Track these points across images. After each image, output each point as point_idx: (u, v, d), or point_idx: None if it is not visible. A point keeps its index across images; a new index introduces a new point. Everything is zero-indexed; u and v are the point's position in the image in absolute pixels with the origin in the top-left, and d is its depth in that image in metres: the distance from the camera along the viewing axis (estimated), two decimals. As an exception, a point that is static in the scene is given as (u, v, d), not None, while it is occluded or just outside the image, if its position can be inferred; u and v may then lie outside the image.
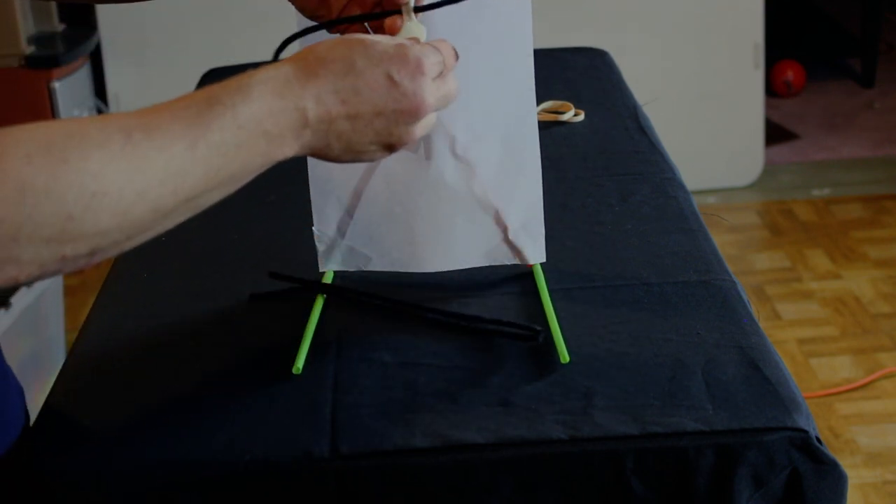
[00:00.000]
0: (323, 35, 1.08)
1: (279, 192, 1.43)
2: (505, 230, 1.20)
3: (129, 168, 0.81)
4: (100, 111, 3.39)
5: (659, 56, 3.52)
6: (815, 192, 3.59)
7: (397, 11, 1.04)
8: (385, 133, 0.94)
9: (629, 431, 0.98)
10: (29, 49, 3.15)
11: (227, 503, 0.97)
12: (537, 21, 1.18)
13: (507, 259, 1.22)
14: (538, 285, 1.19)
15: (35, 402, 1.06)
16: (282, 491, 0.97)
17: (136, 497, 0.97)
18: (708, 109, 3.57)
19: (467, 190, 1.18)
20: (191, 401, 1.05)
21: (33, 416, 1.06)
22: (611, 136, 1.58)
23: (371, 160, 0.98)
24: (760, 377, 1.03)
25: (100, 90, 3.43)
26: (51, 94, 3.16)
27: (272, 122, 0.89)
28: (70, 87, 3.23)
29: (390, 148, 0.96)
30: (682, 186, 1.42)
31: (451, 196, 1.17)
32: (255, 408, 1.03)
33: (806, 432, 0.97)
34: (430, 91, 0.94)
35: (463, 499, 0.97)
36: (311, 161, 1.20)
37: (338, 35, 1.00)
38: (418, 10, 1.05)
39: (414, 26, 1.05)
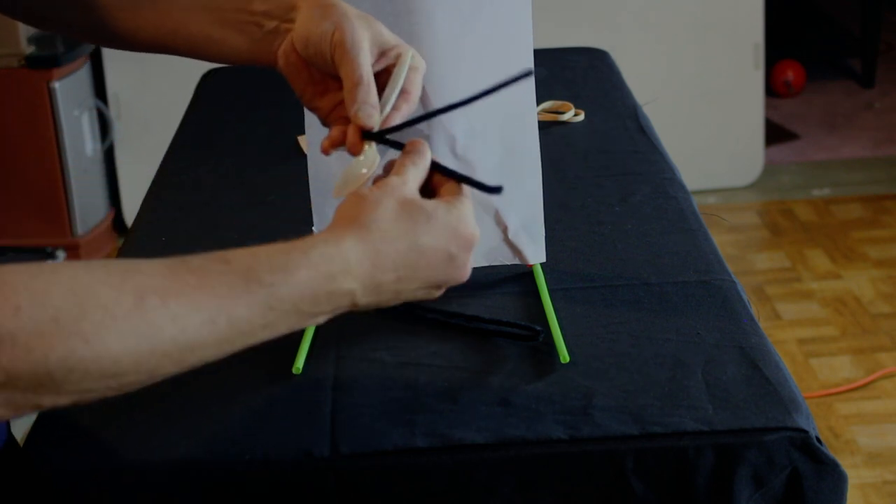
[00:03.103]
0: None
1: (279, 192, 1.43)
2: (505, 230, 1.20)
3: (132, 336, 0.77)
4: (100, 111, 3.39)
5: (659, 56, 3.52)
6: (815, 192, 3.59)
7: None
8: (416, 294, 0.92)
9: (629, 431, 0.98)
10: (29, 49, 3.15)
11: (226, 503, 0.97)
12: (537, 21, 1.18)
13: (507, 259, 1.22)
14: (538, 285, 1.19)
15: (35, 402, 1.06)
16: (282, 491, 0.97)
17: (136, 497, 0.97)
18: (708, 109, 3.57)
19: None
20: (191, 401, 1.05)
21: (33, 416, 1.05)
22: (611, 136, 1.58)
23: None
24: (760, 377, 1.03)
25: (100, 90, 3.43)
26: (51, 94, 3.16)
27: (311, 305, 0.85)
28: (70, 87, 3.23)
29: (419, 299, 0.94)
30: (682, 186, 1.42)
31: (451, 196, 1.17)
32: (255, 408, 1.03)
33: (806, 432, 0.97)
34: (472, 258, 0.94)
35: (463, 499, 0.97)
36: (311, 161, 1.20)
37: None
38: (398, 128, 0.99)
39: (371, 153, 0.99)
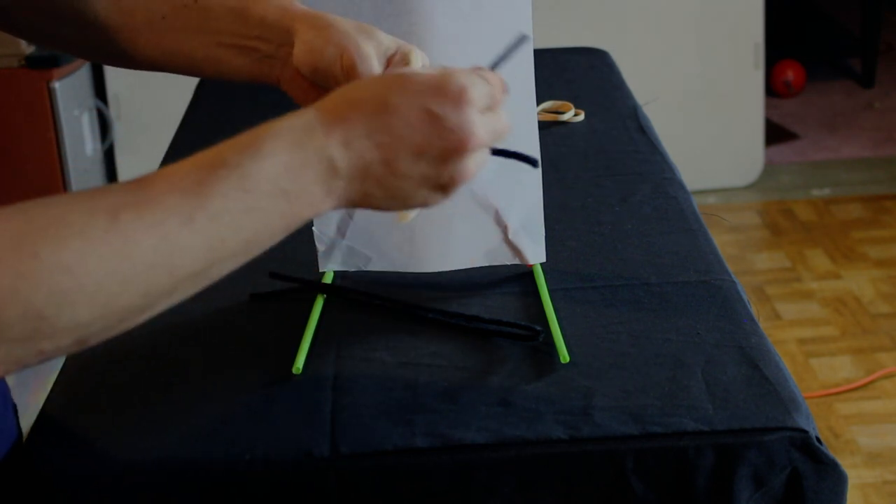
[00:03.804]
0: None
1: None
2: (505, 230, 1.20)
3: (113, 255, 0.74)
4: (100, 111, 3.39)
5: (659, 56, 3.52)
6: (815, 192, 3.59)
7: None
8: (433, 175, 0.84)
9: (629, 431, 0.98)
10: (29, 49, 3.15)
11: (226, 503, 0.97)
12: (537, 21, 1.18)
13: (507, 259, 1.22)
14: (538, 285, 1.19)
15: (34, 403, 1.06)
16: (282, 491, 0.97)
17: (136, 497, 0.97)
18: (708, 109, 3.57)
19: (467, 190, 1.18)
20: (191, 401, 1.05)
21: (33, 417, 1.06)
22: (611, 136, 1.58)
23: (426, 205, 0.87)
24: (760, 377, 1.03)
25: (100, 90, 3.43)
26: (51, 94, 3.16)
27: (290, 180, 0.79)
28: (70, 88, 3.23)
29: (444, 189, 0.85)
30: (682, 186, 1.42)
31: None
32: (255, 408, 1.03)
33: (806, 432, 0.97)
34: (480, 123, 0.84)
35: (463, 499, 0.97)
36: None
37: None
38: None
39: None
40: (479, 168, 0.86)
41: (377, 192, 0.84)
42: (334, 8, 1.13)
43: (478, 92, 0.85)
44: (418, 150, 0.83)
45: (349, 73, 0.99)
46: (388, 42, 1.02)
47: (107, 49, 1.12)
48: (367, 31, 1.01)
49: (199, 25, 1.07)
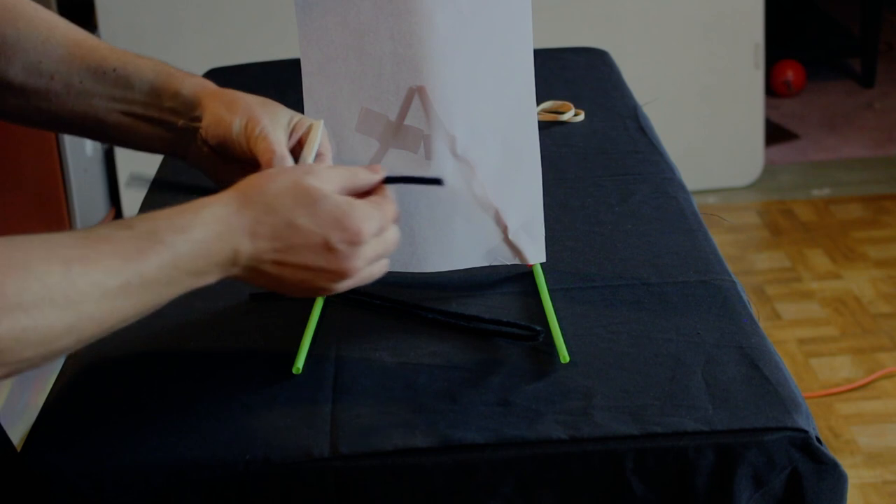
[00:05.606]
0: None
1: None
2: (505, 230, 1.20)
3: (64, 303, 0.84)
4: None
5: (659, 56, 3.52)
6: (815, 192, 3.59)
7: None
8: (309, 283, 0.98)
9: (629, 431, 0.98)
10: (29, 49, 3.14)
11: (226, 503, 0.97)
12: (537, 21, 1.18)
13: (507, 259, 1.22)
14: (538, 285, 1.19)
15: (35, 403, 1.06)
16: (282, 491, 0.97)
17: (136, 497, 0.97)
18: (708, 109, 3.57)
19: (467, 190, 1.18)
20: (191, 401, 1.05)
21: (33, 417, 1.06)
22: (611, 136, 1.58)
23: (292, 296, 1.02)
24: (760, 377, 1.04)
25: (100, 90, 3.42)
26: (51, 94, 3.15)
27: (204, 262, 0.93)
28: (70, 87, 3.22)
29: (314, 293, 1.02)
30: (682, 186, 1.42)
31: (451, 196, 1.18)
32: (255, 408, 1.03)
33: (806, 432, 0.97)
34: (364, 256, 0.98)
35: (463, 499, 0.97)
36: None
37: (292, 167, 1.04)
38: (391, 181, 1.05)
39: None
40: (357, 284, 1.00)
41: (259, 279, 0.97)
42: (335, 7, 1.13)
43: (371, 227, 0.98)
44: (306, 265, 0.96)
45: (249, 138, 1.08)
46: (290, 114, 1.10)
47: (21, 109, 1.15)
48: (269, 104, 1.10)
49: (114, 93, 1.13)
